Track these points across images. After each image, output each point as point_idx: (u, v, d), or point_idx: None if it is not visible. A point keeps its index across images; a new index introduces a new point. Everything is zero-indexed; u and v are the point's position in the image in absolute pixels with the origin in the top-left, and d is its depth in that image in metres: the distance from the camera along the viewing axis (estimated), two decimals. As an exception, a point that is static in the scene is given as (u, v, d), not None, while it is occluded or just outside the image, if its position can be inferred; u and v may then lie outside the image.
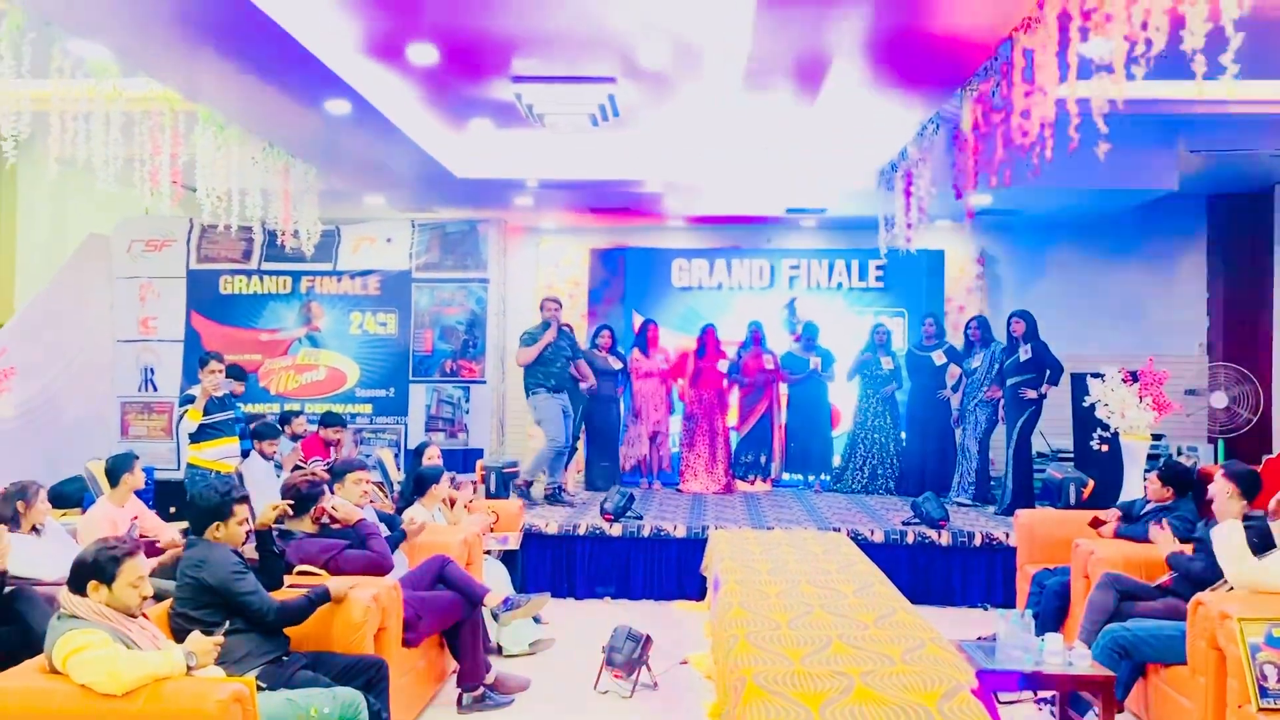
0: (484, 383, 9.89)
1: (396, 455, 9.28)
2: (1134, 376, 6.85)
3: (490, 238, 9.99)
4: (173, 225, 9.81)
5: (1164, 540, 4.78)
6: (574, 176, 8.45)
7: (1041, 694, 4.71)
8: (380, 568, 4.46)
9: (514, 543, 6.58)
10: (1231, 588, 4.18)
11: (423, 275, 9.90)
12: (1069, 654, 4.07)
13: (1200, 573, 4.47)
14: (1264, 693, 3.57)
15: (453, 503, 6.34)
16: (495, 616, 4.90)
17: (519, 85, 6.13)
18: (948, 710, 3.10)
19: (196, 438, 6.53)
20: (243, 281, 9.90)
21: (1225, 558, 4.20)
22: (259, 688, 3.14)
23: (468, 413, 9.84)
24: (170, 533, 5.63)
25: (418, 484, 5.87)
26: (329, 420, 8.05)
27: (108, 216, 9.68)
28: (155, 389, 9.79)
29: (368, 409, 9.86)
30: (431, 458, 6.67)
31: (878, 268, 10.09)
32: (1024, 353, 8.03)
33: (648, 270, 10.46)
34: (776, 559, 5.52)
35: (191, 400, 6.48)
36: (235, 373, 7.43)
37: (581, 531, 7.13)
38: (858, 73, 5.60)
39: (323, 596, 3.79)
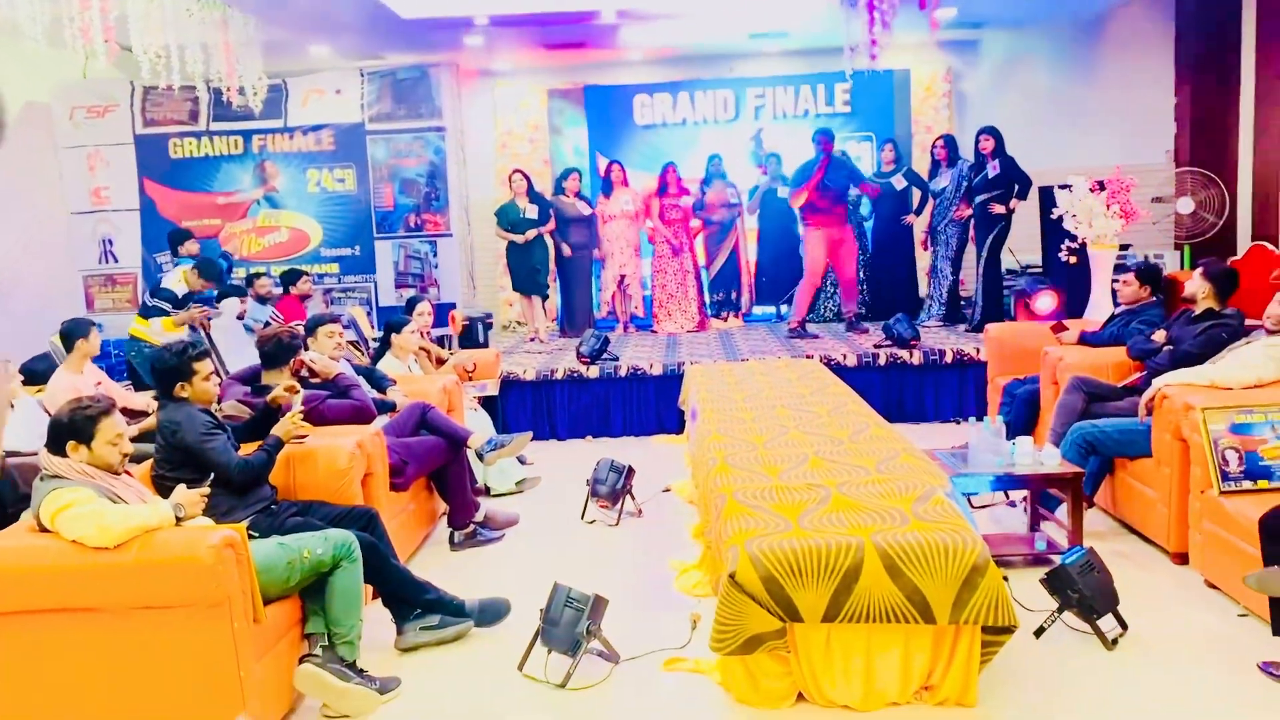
0: (450, 235, 9.76)
1: (369, 313, 9.24)
2: (1101, 186, 6.81)
3: (443, 83, 9.66)
4: (113, 88, 9.43)
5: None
6: (525, 9, 8.09)
7: (1013, 495, 4.89)
8: (365, 415, 4.49)
9: (492, 389, 6.62)
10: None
11: (377, 127, 9.62)
12: (1039, 455, 4.20)
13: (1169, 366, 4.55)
14: (1225, 476, 3.71)
15: (440, 362, 6.34)
16: (480, 457, 4.97)
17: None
18: (922, 512, 3.20)
19: (148, 315, 6.55)
20: (193, 145, 9.60)
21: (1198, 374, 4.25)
22: (250, 535, 3.19)
23: (437, 267, 9.75)
24: (141, 398, 5.65)
25: (385, 335, 5.86)
26: (290, 277, 7.99)
27: (43, 83, 9.27)
28: (116, 260, 9.61)
29: (334, 269, 9.74)
30: (422, 314, 6.44)
31: (845, 91, 9.87)
32: (992, 169, 7.95)
33: (609, 109, 10.18)
34: (752, 387, 5.60)
35: (170, 298, 6.50)
36: (211, 272, 7.14)
37: (559, 376, 7.18)
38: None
39: (277, 444, 3.72)
